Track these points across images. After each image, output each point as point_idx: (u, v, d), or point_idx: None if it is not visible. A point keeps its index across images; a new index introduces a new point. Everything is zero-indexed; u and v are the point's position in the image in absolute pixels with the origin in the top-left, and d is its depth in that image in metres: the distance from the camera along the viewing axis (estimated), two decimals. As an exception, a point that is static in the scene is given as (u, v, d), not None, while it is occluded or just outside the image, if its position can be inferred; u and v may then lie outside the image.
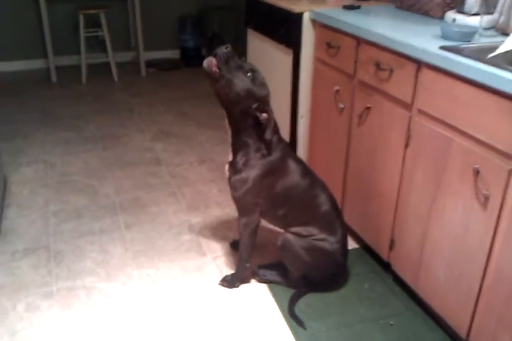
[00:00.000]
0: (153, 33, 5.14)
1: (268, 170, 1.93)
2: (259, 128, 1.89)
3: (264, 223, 2.11)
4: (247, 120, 1.87)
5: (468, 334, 1.77)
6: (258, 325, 1.98)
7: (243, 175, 1.94)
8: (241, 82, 1.79)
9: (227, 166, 2.03)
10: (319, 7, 2.47)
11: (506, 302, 1.58)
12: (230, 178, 2.01)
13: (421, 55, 1.77)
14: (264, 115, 1.85)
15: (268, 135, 1.89)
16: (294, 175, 1.97)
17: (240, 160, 1.94)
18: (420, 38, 1.86)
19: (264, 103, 1.85)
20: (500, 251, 1.58)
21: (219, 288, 2.16)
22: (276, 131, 1.95)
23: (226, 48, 1.78)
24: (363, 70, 2.12)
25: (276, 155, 1.94)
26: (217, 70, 1.77)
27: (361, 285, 2.19)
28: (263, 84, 1.86)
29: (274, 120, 1.95)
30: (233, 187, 1.99)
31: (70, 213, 2.67)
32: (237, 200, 2.02)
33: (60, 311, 2.02)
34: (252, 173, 1.93)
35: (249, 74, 1.81)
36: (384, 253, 2.19)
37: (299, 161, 2.03)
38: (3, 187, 2.76)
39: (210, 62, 1.77)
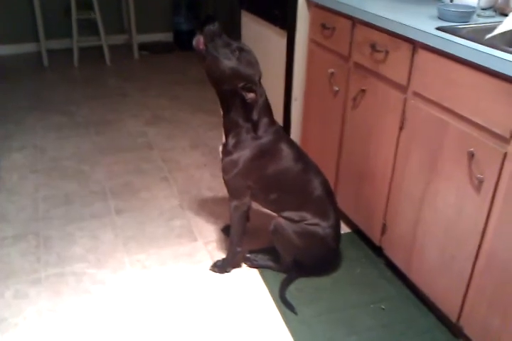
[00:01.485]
0: (146, 15, 5.06)
1: (259, 152, 1.90)
2: (247, 108, 1.85)
3: (256, 207, 2.08)
4: (236, 100, 1.85)
5: (458, 318, 1.76)
6: (249, 310, 1.96)
7: (233, 156, 1.92)
8: (226, 60, 1.77)
9: (220, 148, 2.01)
10: (314, -13, 2.41)
11: (497, 286, 1.57)
12: (222, 160, 1.99)
13: (417, 35, 1.72)
14: (251, 95, 1.82)
15: (255, 115, 1.86)
16: (286, 160, 1.94)
17: (231, 141, 1.93)
18: (416, 19, 1.82)
19: (251, 82, 1.81)
20: (492, 235, 1.55)
21: (210, 274, 2.14)
22: (267, 112, 1.92)
23: (213, 26, 1.76)
24: (358, 52, 2.07)
25: (268, 137, 1.91)
26: (204, 48, 1.77)
27: (353, 269, 2.17)
28: (251, 63, 1.82)
29: (267, 102, 1.91)
30: (224, 170, 1.97)
31: (59, 199, 2.64)
32: (227, 183, 1.99)
33: (49, 298, 2.00)
34: (242, 155, 1.91)
35: (236, 52, 1.78)
36: (376, 238, 2.17)
37: (292, 145, 1.99)
38: (-8, 172, 2.72)
39: (198, 40, 1.78)
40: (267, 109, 1.92)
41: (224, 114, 1.92)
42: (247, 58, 1.81)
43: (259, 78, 1.86)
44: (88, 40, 4.83)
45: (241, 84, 1.81)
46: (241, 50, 1.80)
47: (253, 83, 1.82)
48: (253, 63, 1.83)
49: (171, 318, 1.92)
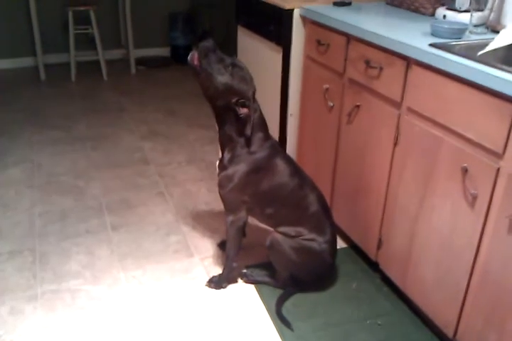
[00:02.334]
0: (143, 30, 5.09)
1: (254, 167, 1.91)
2: (242, 123, 1.87)
3: (253, 222, 2.08)
4: (230, 115, 1.86)
5: (455, 334, 1.75)
6: (245, 326, 1.95)
7: (229, 171, 1.93)
8: (220, 76, 1.79)
9: (217, 163, 2.02)
10: (310, 3, 2.43)
11: (493, 301, 1.56)
12: (218, 175, 2.00)
13: (410, 52, 1.74)
14: (244, 110, 1.84)
15: (248, 130, 1.87)
16: (281, 175, 1.95)
17: (226, 156, 1.94)
18: (410, 35, 1.84)
19: (244, 98, 1.83)
20: (487, 250, 1.56)
21: (206, 290, 2.13)
22: (262, 127, 1.93)
23: (207, 42, 1.79)
24: (352, 68, 2.09)
25: (263, 152, 1.92)
26: (198, 63, 1.79)
27: (349, 284, 2.17)
28: (244, 79, 1.84)
29: (262, 117, 1.93)
30: (219, 184, 1.98)
31: (56, 214, 2.63)
32: (223, 197, 2.00)
33: (45, 314, 1.98)
34: (237, 170, 1.92)
35: (229, 68, 1.80)
36: (372, 253, 2.17)
37: (288, 160, 2.00)
38: (-11, 187, 2.72)
39: (192, 56, 1.80)
40: (262, 124, 1.93)
41: (219, 129, 1.93)
42: (240, 74, 1.83)
43: (253, 94, 1.87)
44: (85, 55, 4.85)
45: (234, 100, 1.82)
46: (234, 65, 1.82)
47: (246, 98, 1.83)
48: (246, 79, 1.85)
49: (167, 334, 1.90)
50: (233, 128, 1.89)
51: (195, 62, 1.80)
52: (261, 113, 1.93)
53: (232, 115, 1.86)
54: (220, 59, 1.81)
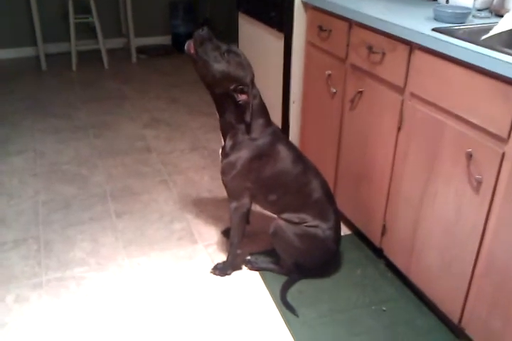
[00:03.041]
0: (144, 18, 5.06)
1: (256, 153, 1.91)
2: (241, 110, 1.87)
3: (257, 209, 2.08)
4: (229, 102, 1.86)
5: (460, 320, 1.76)
6: (250, 312, 1.96)
7: (231, 158, 1.94)
8: (216, 63, 1.80)
9: (220, 150, 2.02)
10: (310, -11, 2.41)
11: (498, 287, 1.57)
12: (221, 162, 2.01)
13: (413, 37, 1.73)
14: (243, 96, 1.84)
15: (248, 117, 1.87)
16: (284, 161, 1.94)
17: (228, 143, 1.95)
18: (413, 20, 1.82)
19: (242, 84, 1.83)
20: (492, 236, 1.56)
21: (211, 277, 2.14)
22: (262, 113, 1.93)
23: (202, 31, 1.80)
24: (355, 54, 2.08)
25: (265, 139, 1.92)
26: (194, 52, 1.80)
27: (353, 271, 2.17)
28: (241, 65, 1.84)
29: (262, 103, 1.93)
30: (222, 171, 1.99)
31: (59, 202, 2.64)
32: (226, 184, 2.00)
33: (50, 302, 2.00)
34: (239, 156, 1.92)
35: (225, 55, 1.80)
36: (376, 239, 2.17)
37: (290, 147, 2.00)
38: (-8, 176, 2.72)
39: (189, 45, 1.81)
40: (262, 110, 1.93)
41: (220, 116, 1.93)
42: (236, 60, 1.83)
43: (252, 80, 1.87)
44: (86, 44, 4.83)
45: (232, 86, 1.82)
46: (230, 52, 1.82)
47: (244, 85, 1.83)
48: (243, 65, 1.85)
49: (172, 321, 1.92)
50: (233, 116, 1.89)
51: (191, 51, 1.81)
52: (261, 99, 1.92)
53: (231, 102, 1.86)
54: (215, 47, 1.81)
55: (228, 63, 1.81)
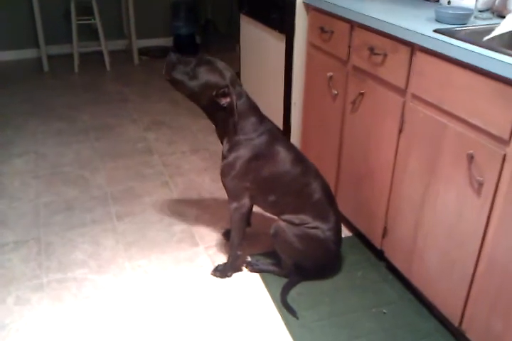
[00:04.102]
0: (145, 20, 5.06)
1: (254, 154, 1.92)
2: (230, 112, 1.90)
3: (259, 210, 2.08)
4: (218, 109, 1.91)
5: (460, 323, 1.75)
6: (250, 314, 1.95)
7: (229, 159, 1.96)
8: (190, 80, 1.87)
9: (221, 154, 2.03)
10: (311, -9, 2.41)
11: (499, 289, 1.56)
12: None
13: (414, 38, 1.72)
14: (226, 99, 1.87)
15: (236, 117, 1.90)
16: (283, 162, 1.95)
17: (226, 146, 1.97)
18: (414, 21, 1.82)
19: (221, 87, 1.86)
20: (493, 238, 1.55)
21: (211, 278, 2.13)
22: (252, 111, 1.94)
23: (169, 57, 1.89)
24: (356, 55, 2.07)
25: (261, 138, 1.92)
26: (169, 78, 1.91)
27: (354, 273, 2.16)
28: (214, 71, 1.88)
29: (250, 101, 1.94)
30: (221, 173, 2.01)
31: (61, 205, 2.64)
32: (226, 185, 2.02)
33: (51, 304, 1.99)
34: (237, 157, 1.93)
35: (195, 69, 1.87)
36: (377, 241, 2.16)
37: (289, 147, 2.00)
38: (-7, 178, 2.72)
39: (164, 72, 1.91)
40: (251, 108, 1.94)
41: (215, 125, 1.99)
42: (208, 68, 1.87)
43: (232, 80, 1.88)
44: (88, 46, 4.83)
45: (214, 93, 1.87)
46: (201, 63, 1.87)
47: (223, 87, 1.86)
48: (217, 69, 1.88)
49: (172, 323, 1.91)
50: (225, 120, 1.92)
51: (168, 78, 1.91)
52: (248, 97, 1.94)
53: (219, 108, 1.90)
54: (186, 65, 1.88)
55: (202, 74, 1.86)
